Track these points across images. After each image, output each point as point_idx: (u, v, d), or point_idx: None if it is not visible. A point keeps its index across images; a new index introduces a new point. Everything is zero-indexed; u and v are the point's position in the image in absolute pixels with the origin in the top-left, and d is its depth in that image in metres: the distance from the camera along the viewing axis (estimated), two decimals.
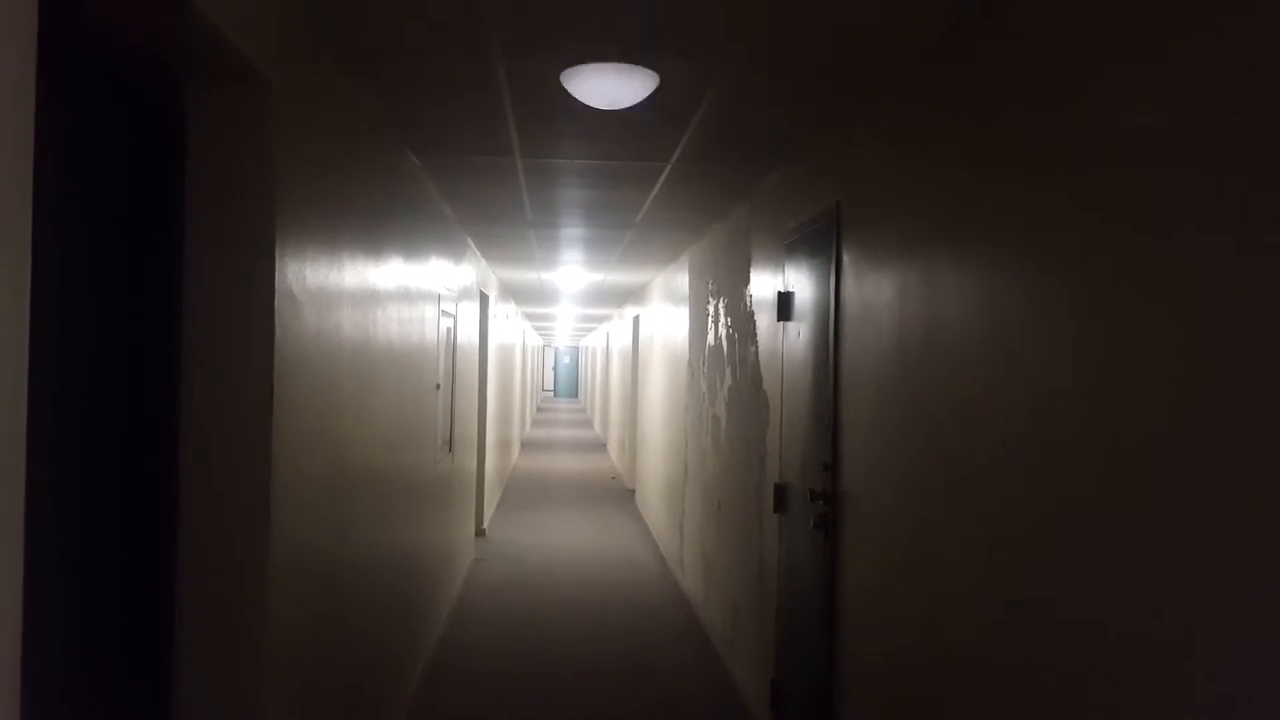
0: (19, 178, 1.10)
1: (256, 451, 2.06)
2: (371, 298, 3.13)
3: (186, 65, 1.94)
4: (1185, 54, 1.41)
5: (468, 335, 6.49)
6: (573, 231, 6.04)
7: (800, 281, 3.60)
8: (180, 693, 2.01)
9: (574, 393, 39.25)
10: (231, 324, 2.05)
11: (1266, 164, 1.24)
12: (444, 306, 5.06)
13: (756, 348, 4.37)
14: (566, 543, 8.19)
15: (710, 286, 5.74)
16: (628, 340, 12.31)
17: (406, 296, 3.86)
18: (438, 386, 4.96)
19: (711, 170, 4.03)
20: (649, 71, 2.64)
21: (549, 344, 35.64)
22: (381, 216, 3.31)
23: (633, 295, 11.01)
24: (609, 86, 2.68)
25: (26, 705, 1.24)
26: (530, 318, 17.03)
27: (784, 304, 3.80)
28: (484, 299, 7.96)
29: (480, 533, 8.27)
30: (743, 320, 4.71)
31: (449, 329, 5.38)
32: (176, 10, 1.62)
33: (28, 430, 1.12)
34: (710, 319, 5.71)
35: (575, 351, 39.10)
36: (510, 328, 12.41)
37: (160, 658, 2.00)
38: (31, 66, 1.12)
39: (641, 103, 2.86)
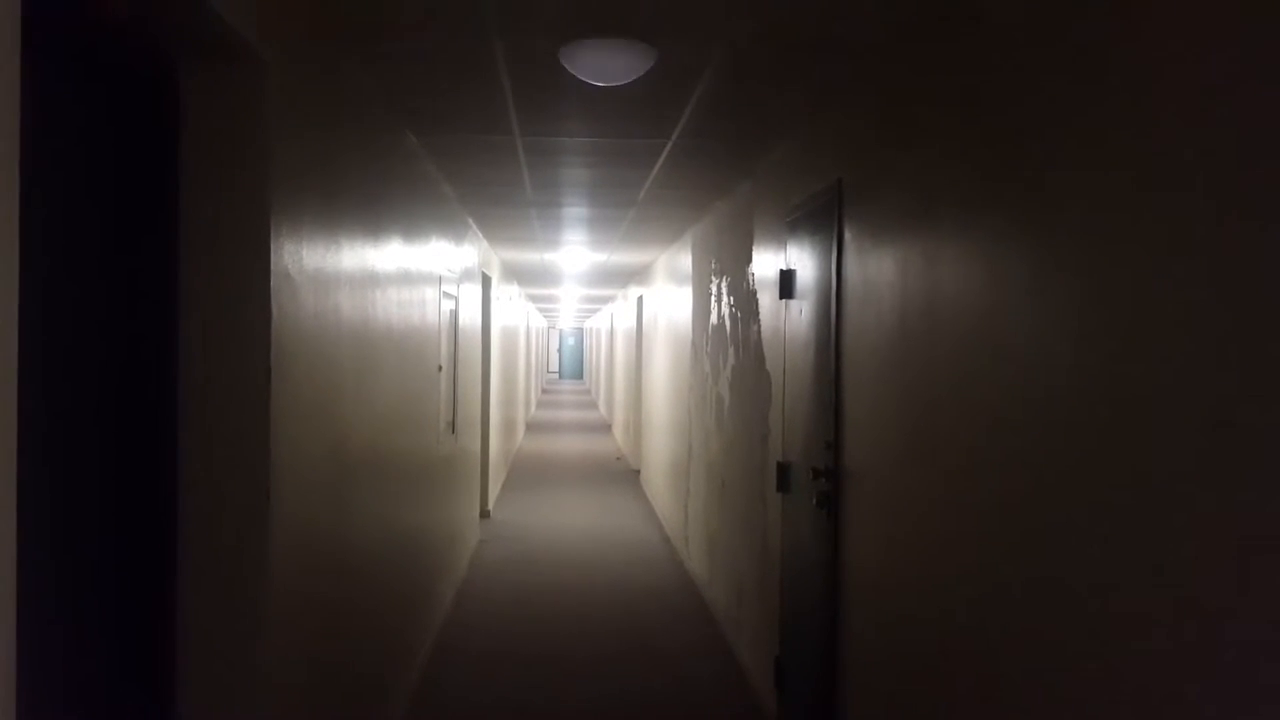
0: (5, 159, 1.08)
1: (256, 433, 2.05)
2: (371, 279, 3.11)
3: (179, 43, 1.91)
4: (1190, 35, 1.39)
5: (470, 317, 6.48)
6: (575, 211, 6.01)
7: (802, 259, 3.57)
8: (184, 673, 2.02)
9: (578, 374, 39.29)
10: (228, 305, 2.03)
11: (1272, 141, 1.21)
12: (445, 288, 5.04)
13: (759, 326, 4.35)
14: (571, 524, 8.21)
15: (713, 265, 5.71)
16: (631, 321, 12.30)
17: (407, 278, 3.85)
18: (440, 368, 4.95)
19: (713, 147, 4.00)
20: (647, 47, 2.61)
21: (553, 326, 35.63)
22: (380, 197, 3.29)
23: (636, 275, 10.98)
24: (607, 62, 2.65)
25: (26, 692, 1.24)
26: (533, 299, 17.01)
27: (786, 282, 3.78)
28: (486, 280, 7.94)
29: (485, 514, 8.30)
30: (745, 299, 4.69)
31: (451, 311, 5.37)
32: None
33: (21, 417, 1.11)
34: (713, 298, 5.69)
35: (579, 333, 39.11)
36: (513, 309, 12.40)
37: (163, 640, 2.00)
38: (16, 45, 1.10)
39: (641, 79, 2.83)
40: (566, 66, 2.72)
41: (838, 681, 3.02)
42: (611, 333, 17.51)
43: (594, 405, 23.82)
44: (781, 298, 3.84)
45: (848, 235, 3.03)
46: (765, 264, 4.26)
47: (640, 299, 10.87)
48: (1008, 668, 1.90)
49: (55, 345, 1.62)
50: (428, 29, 2.56)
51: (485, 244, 7.57)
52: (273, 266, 2.07)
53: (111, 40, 1.80)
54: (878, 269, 2.73)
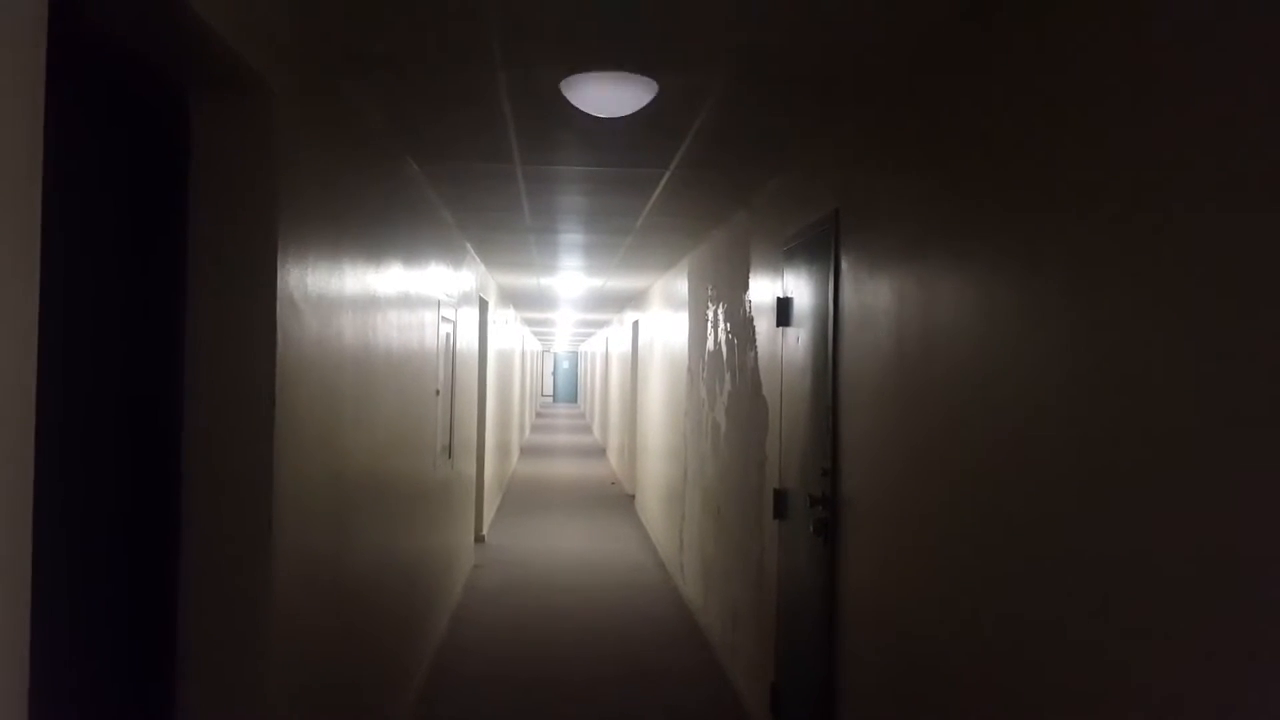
0: (29, 188, 1.11)
1: (259, 459, 2.07)
2: (372, 304, 3.14)
3: (189, 73, 1.95)
4: (1183, 62, 1.43)
5: (467, 341, 6.51)
6: (572, 237, 6.06)
7: (799, 287, 3.61)
8: (184, 698, 2.02)
9: (573, 398, 39.26)
10: (234, 332, 2.06)
11: (1266, 167, 1.25)
12: (444, 312, 5.07)
13: (756, 353, 4.38)
14: (566, 548, 8.19)
15: (710, 292, 5.75)
16: (627, 345, 12.33)
17: (407, 303, 3.88)
18: (437, 392, 4.97)
19: (710, 177, 4.05)
20: (648, 80, 2.66)
21: (548, 349, 35.66)
22: (382, 223, 3.32)
23: (632, 300, 11.03)
24: (608, 95, 2.69)
25: (33, 709, 1.25)
26: (529, 323, 17.05)
27: (783, 310, 3.82)
28: (483, 304, 7.97)
29: (480, 539, 8.28)
30: (742, 326, 4.72)
31: (448, 335, 5.39)
32: (178, 18, 1.63)
33: (35, 439, 1.13)
34: (710, 324, 5.73)
35: (574, 356, 39.12)
36: (509, 333, 12.43)
37: (165, 664, 2.01)
38: (41, 78, 1.13)
39: (640, 111, 2.88)
40: (568, 98, 2.77)
41: (836, 708, 3.03)
42: (606, 357, 17.54)
43: (588, 429, 23.79)
44: (779, 325, 3.88)
45: (844, 264, 3.07)
46: (762, 291, 4.29)
47: (636, 324, 10.91)
48: (1007, 694, 1.92)
49: (63, 371, 1.64)
50: (432, 60, 2.60)
51: (483, 269, 7.61)
52: (279, 293, 2.10)
53: (124, 71, 1.84)
54: (874, 298, 2.77)
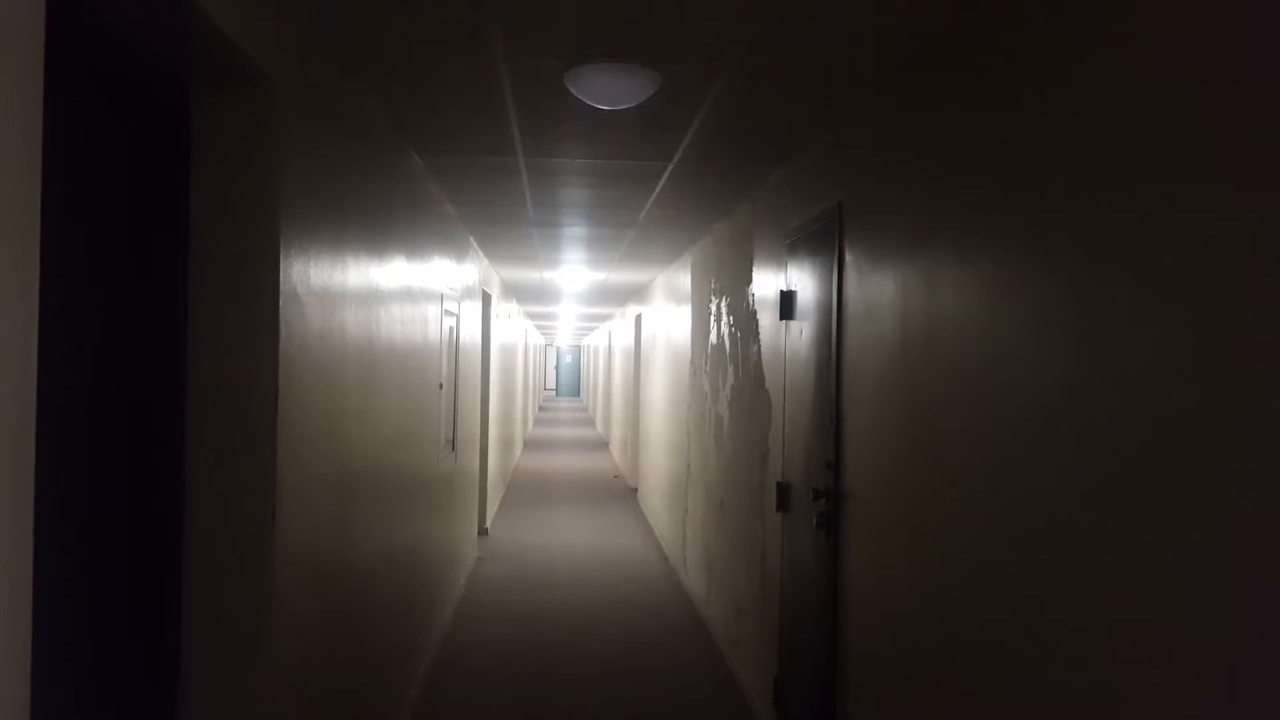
0: (28, 184, 1.10)
1: (262, 452, 2.07)
2: (375, 297, 3.14)
3: (190, 67, 1.94)
4: (1185, 56, 1.42)
5: (470, 334, 6.50)
6: (575, 230, 6.05)
7: (803, 280, 3.60)
8: (187, 691, 2.02)
9: (576, 392, 39.28)
10: (237, 325, 2.05)
11: (1268, 163, 1.24)
12: (446, 306, 5.06)
13: (759, 346, 4.37)
14: (569, 541, 8.20)
15: (713, 285, 5.74)
16: (630, 339, 12.32)
17: (409, 296, 3.87)
18: (440, 386, 4.97)
19: (714, 169, 4.04)
20: (651, 72, 2.65)
21: (551, 343, 35.65)
22: (385, 216, 3.31)
23: (635, 294, 11.02)
24: (611, 86, 2.68)
25: (34, 710, 1.25)
26: (532, 317, 17.05)
27: (786, 303, 3.80)
28: (486, 298, 7.97)
29: (483, 531, 8.29)
30: (745, 319, 4.71)
31: (451, 328, 5.39)
32: (183, 13, 1.62)
33: (36, 432, 1.12)
34: (713, 318, 5.72)
35: (577, 350, 39.12)
36: (512, 327, 12.42)
37: (167, 657, 2.01)
38: (39, 72, 1.13)
39: (644, 103, 2.87)
40: (571, 90, 2.76)
41: (838, 701, 3.03)
42: (609, 350, 17.53)
43: (591, 423, 23.80)
44: (782, 318, 3.87)
45: (848, 257, 3.06)
46: (765, 284, 4.28)
47: (639, 317, 10.90)
48: (1008, 688, 1.91)
49: (65, 365, 1.64)
50: (434, 51, 2.59)
51: (486, 262, 7.60)
52: (281, 286, 2.09)
53: (125, 65, 1.83)
54: (878, 291, 2.76)
